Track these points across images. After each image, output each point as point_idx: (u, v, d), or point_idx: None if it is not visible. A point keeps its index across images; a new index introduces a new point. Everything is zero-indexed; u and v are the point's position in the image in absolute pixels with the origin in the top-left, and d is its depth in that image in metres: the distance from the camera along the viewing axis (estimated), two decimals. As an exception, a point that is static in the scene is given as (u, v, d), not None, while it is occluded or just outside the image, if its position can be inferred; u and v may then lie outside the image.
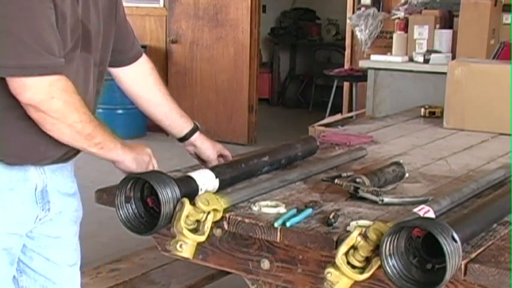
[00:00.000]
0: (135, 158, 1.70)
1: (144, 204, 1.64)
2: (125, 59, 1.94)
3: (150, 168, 1.74)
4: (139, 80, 1.98)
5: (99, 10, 1.71)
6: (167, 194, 1.57)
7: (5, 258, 1.68)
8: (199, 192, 1.68)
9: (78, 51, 1.63)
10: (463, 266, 1.41)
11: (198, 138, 2.04)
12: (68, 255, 1.85)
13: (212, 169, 1.79)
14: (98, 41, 1.72)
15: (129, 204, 1.64)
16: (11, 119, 1.58)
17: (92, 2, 1.68)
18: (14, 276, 1.77)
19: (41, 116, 1.53)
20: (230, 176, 1.83)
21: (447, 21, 5.35)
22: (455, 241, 1.34)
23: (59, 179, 1.75)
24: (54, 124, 1.55)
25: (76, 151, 1.74)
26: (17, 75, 1.49)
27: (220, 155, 2.06)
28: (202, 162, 2.05)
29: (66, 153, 1.71)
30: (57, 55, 1.53)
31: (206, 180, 1.73)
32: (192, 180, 1.70)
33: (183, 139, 2.04)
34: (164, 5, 7.18)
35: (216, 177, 1.76)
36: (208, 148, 2.04)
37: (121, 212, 1.63)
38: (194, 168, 1.99)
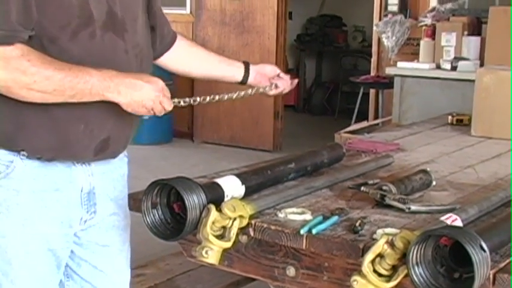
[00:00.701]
0: (129, 104, 1.61)
1: (171, 210, 1.65)
2: (165, 47, 1.97)
3: (163, 107, 1.66)
4: (182, 55, 2.02)
5: None
6: (193, 200, 1.58)
7: (51, 260, 1.69)
8: (225, 199, 1.68)
9: (100, 33, 1.60)
10: (491, 276, 1.39)
11: (254, 65, 2.10)
12: (115, 263, 1.85)
13: (238, 176, 1.80)
14: (131, 24, 1.69)
15: (155, 210, 1.65)
16: (31, 110, 1.57)
17: None
18: (61, 281, 1.78)
19: None
20: (256, 182, 1.83)
21: (475, 28, 5.30)
22: (484, 250, 1.32)
23: (107, 182, 1.75)
24: (10, 92, 1.52)
25: (122, 143, 1.73)
26: None
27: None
28: (275, 86, 2.10)
29: (107, 140, 1.67)
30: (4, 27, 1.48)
31: (232, 186, 1.73)
32: (218, 186, 1.70)
33: (247, 70, 2.08)
34: (191, 12, 7.22)
35: (242, 183, 1.76)
36: (266, 67, 2.12)
37: (147, 218, 1.64)
38: (220, 174, 1.99)
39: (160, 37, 1.92)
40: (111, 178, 1.77)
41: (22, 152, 1.60)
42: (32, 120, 1.58)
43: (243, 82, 2.09)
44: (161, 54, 1.97)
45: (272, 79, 2.10)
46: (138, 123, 1.80)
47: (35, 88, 1.51)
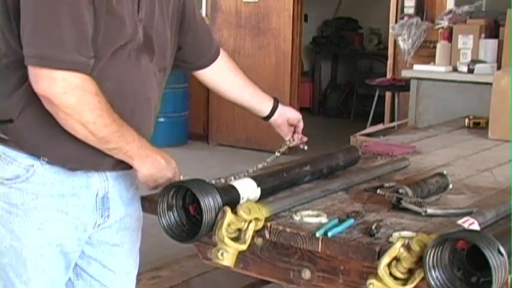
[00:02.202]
0: (145, 177, 1.69)
1: (186, 212, 1.65)
2: (206, 61, 2.03)
3: (161, 185, 1.72)
4: (220, 73, 2.06)
5: (165, 18, 1.75)
6: (209, 202, 1.58)
7: (61, 262, 1.71)
8: (241, 201, 1.68)
9: (135, 54, 1.65)
10: (509, 280, 1.38)
11: (282, 106, 2.17)
12: (124, 264, 1.86)
13: (254, 178, 1.79)
14: (162, 48, 1.75)
15: (171, 212, 1.65)
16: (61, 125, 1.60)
17: (158, 10, 1.71)
18: (70, 279, 1.80)
19: (53, 109, 1.54)
20: (272, 185, 1.83)
21: (493, 30, 5.27)
22: (502, 254, 1.31)
23: (121, 186, 1.77)
24: (66, 120, 1.54)
25: None
26: (35, 64, 1.50)
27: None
28: (291, 131, 2.22)
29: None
30: (82, 54, 1.53)
31: (248, 189, 1.73)
32: (233, 188, 1.70)
33: (273, 110, 2.14)
34: (206, 14, 7.24)
35: (258, 186, 1.76)
36: (293, 110, 2.21)
37: (163, 220, 1.64)
38: (235, 176, 1.99)
39: (199, 53, 1.99)
40: (124, 182, 1.78)
41: (43, 158, 1.63)
42: (60, 133, 1.59)
43: (265, 119, 2.18)
44: (198, 68, 2.04)
45: (290, 126, 2.20)
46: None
47: (90, 128, 1.55)
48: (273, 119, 2.16)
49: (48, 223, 1.65)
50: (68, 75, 1.51)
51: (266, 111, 2.14)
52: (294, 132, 2.21)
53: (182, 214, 1.65)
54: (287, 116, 2.17)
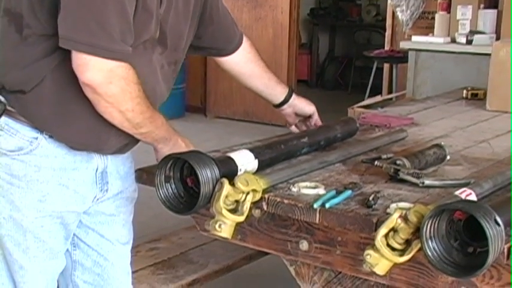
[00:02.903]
0: (164, 155, 1.71)
1: (184, 184, 1.65)
2: (228, 51, 2.10)
3: None
4: (240, 62, 2.13)
5: (180, 12, 1.75)
6: (206, 174, 1.58)
7: (61, 233, 1.73)
8: (239, 173, 1.68)
9: (150, 46, 1.66)
10: (505, 250, 1.39)
11: (295, 98, 2.22)
12: (121, 234, 1.89)
13: (251, 150, 1.79)
14: (175, 42, 1.76)
15: (168, 184, 1.65)
16: (77, 107, 1.60)
17: (175, 3, 1.71)
18: (68, 250, 1.83)
19: (96, 98, 1.54)
20: (269, 156, 1.83)
21: (491, 0, 5.23)
22: (498, 224, 1.31)
23: (118, 160, 1.79)
24: (107, 107, 1.56)
25: (136, 142, 1.77)
26: (84, 51, 1.48)
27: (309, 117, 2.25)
28: (303, 122, 2.26)
29: (127, 144, 1.75)
30: (127, 43, 1.53)
31: (245, 160, 1.73)
32: (231, 160, 1.70)
33: (284, 102, 2.21)
34: (203, -14, 7.18)
35: (255, 157, 1.76)
36: (306, 104, 2.25)
37: (160, 192, 1.65)
38: (233, 149, 1.99)
39: (220, 44, 2.05)
40: (121, 156, 1.81)
41: (47, 132, 1.64)
42: (68, 113, 1.61)
43: (276, 107, 2.25)
44: (217, 56, 2.11)
45: (300, 116, 2.28)
46: None
47: (128, 115, 1.58)
48: (280, 108, 2.24)
49: (49, 196, 1.66)
50: (116, 66, 1.51)
51: (276, 101, 2.23)
52: (305, 122, 2.27)
53: (180, 186, 1.65)
54: (295, 109, 2.24)
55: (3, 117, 1.63)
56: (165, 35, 1.71)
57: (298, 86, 7.24)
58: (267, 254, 2.08)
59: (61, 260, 1.79)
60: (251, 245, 1.80)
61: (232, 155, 1.73)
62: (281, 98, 2.21)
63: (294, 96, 2.22)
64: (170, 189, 1.65)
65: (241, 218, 1.58)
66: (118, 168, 1.80)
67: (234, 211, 1.58)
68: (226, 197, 1.56)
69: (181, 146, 1.75)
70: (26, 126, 1.63)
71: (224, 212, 1.56)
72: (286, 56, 6.80)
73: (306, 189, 1.67)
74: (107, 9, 1.48)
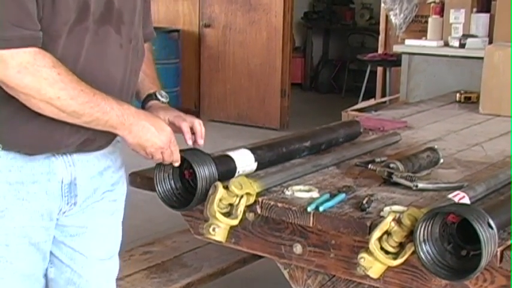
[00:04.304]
0: (134, 145, 1.57)
1: (182, 180, 1.67)
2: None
3: (162, 157, 1.60)
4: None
5: None
6: (204, 171, 1.60)
7: (33, 255, 1.61)
8: (236, 174, 1.69)
9: (88, 24, 1.49)
10: (498, 253, 1.39)
11: (152, 106, 1.80)
12: (97, 248, 1.74)
13: (252, 151, 1.79)
14: (129, 16, 1.60)
15: (167, 180, 1.66)
16: (19, 107, 1.47)
17: None
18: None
19: (13, 92, 1.42)
20: (269, 160, 1.83)
21: (484, 4, 5.24)
22: (491, 228, 1.32)
23: (91, 173, 1.65)
24: (29, 100, 1.42)
25: (108, 138, 1.63)
26: None
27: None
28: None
29: (92, 140, 1.59)
30: (27, 27, 1.38)
31: (245, 163, 1.73)
32: (230, 160, 1.70)
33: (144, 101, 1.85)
34: (197, -11, 7.18)
35: (255, 160, 1.76)
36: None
37: (159, 188, 1.66)
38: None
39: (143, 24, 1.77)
40: (96, 168, 1.65)
41: None
42: (13, 116, 1.49)
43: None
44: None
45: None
46: None
47: (55, 104, 1.44)
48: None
49: (9, 212, 1.54)
50: (16, 53, 1.38)
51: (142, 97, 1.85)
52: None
53: (178, 183, 1.67)
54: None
55: None
56: (112, 9, 1.55)
57: (292, 89, 7.23)
58: (261, 257, 2.08)
59: (38, 284, 1.66)
60: (245, 249, 1.80)
61: (233, 154, 1.74)
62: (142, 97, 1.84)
63: (152, 103, 1.80)
64: (169, 185, 1.66)
65: (235, 222, 1.58)
66: (93, 180, 1.65)
67: (228, 214, 1.58)
68: (220, 200, 1.56)
69: (148, 131, 1.56)
70: None
71: (218, 215, 1.56)
72: (280, 60, 6.80)
73: (300, 192, 1.68)
74: None
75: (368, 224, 1.51)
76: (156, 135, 1.58)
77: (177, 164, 1.65)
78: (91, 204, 1.68)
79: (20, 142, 1.52)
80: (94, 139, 1.61)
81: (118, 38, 1.58)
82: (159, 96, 1.81)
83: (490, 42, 4.74)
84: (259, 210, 1.65)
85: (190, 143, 1.73)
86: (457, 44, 4.98)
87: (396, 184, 1.77)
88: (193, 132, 1.73)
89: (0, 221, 1.54)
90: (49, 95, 1.42)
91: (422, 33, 5.52)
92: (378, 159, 1.99)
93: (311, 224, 1.59)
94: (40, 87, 1.41)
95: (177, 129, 1.72)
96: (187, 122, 1.75)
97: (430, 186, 1.76)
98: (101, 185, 1.69)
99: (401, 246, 1.42)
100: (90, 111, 1.47)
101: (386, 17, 6.18)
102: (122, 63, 1.60)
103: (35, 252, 1.61)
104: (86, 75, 1.49)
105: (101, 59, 1.55)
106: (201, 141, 1.74)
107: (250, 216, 1.71)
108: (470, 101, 3.24)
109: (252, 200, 1.62)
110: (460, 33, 5.07)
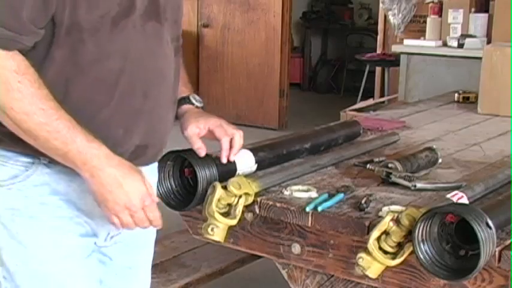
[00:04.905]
0: (101, 194, 1.34)
1: (183, 180, 1.66)
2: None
3: (130, 220, 1.37)
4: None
5: None
6: (205, 172, 1.59)
7: (89, 274, 1.48)
8: (237, 173, 1.69)
9: (134, 18, 1.36)
10: (497, 253, 1.39)
11: (188, 111, 1.66)
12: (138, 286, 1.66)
13: (254, 153, 1.78)
14: (171, 13, 1.48)
15: (167, 180, 1.66)
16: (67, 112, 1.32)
17: None
18: None
19: None
20: (270, 162, 1.83)
21: (482, 4, 5.25)
22: (490, 227, 1.32)
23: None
24: None
25: (158, 149, 1.50)
26: None
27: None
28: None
29: (142, 149, 1.44)
30: (8, 26, 1.24)
31: (246, 165, 1.73)
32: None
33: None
34: (196, -11, 7.18)
35: (256, 162, 1.76)
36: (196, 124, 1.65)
37: (160, 188, 1.65)
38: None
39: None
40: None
41: (43, 157, 1.36)
42: None
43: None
44: None
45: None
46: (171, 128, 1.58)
47: (9, 115, 1.26)
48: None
49: (60, 228, 1.41)
50: None
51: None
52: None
53: (178, 181, 1.66)
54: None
55: None
56: (158, 3, 1.43)
57: (291, 89, 7.24)
58: (259, 257, 2.08)
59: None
60: (243, 249, 1.80)
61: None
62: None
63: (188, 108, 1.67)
64: (169, 185, 1.66)
65: (234, 222, 1.58)
66: None
67: (226, 214, 1.58)
68: (219, 200, 1.56)
69: (114, 182, 1.32)
70: (17, 152, 1.37)
71: (216, 215, 1.56)
72: (279, 60, 6.81)
73: (299, 192, 1.68)
74: None
75: (366, 224, 1.51)
76: (124, 191, 1.33)
77: (158, 228, 1.45)
78: (136, 235, 1.51)
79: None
80: (146, 148, 1.46)
81: (165, 35, 1.46)
82: (193, 100, 1.67)
83: (489, 42, 4.75)
84: (257, 210, 1.65)
85: (224, 161, 1.62)
86: (455, 44, 4.98)
87: (395, 184, 1.77)
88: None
89: (52, 238, 1.40)
90: (2, 102, 1.25)
91: (420, 33, 5.52)
92: (376, 159, 1.99)
93: (309, 224, 1.59)
94: None
95: (213, 137, 1.61)
96: (228, 135, 1.61)
97: (428, 186, 1.76)
98: None
99: (399, 246, 1.42)
100: (46, 135, 1.28)
101: (385, 17, 6.18)
102: (171, 62, 1.49)
103: (88, 270, 1.48)
104: (139, 74, 1.38)
105: (153, 56, 1.42)
106: (232, 158, 1.63)
107: (249, 216, 1.71)
108: (468, 101, 3.24)
109: (250, 200, 1.62)
110: (459, 33, 5.07)
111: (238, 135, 1.63)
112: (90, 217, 1.44)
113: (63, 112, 1.29)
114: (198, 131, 1.61)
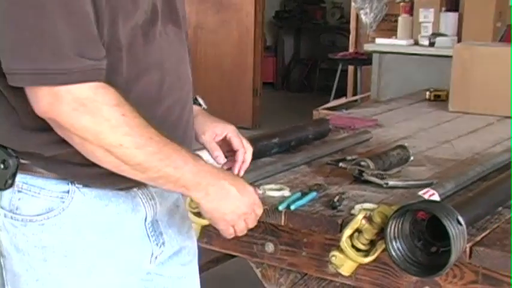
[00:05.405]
0: (211, 211, 1.26)
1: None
2: None
3: (244, 225, 1.31)
4: None
5: None
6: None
7: None
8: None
9: (159, 23, 1.26)
10: (468, 249, 1.41)
11: (199, 114, 1.61)
12: None
13: None
14: (182, 8, 1.39)
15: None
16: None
17: None
18: None
19: (66, 134, 1.14)
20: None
21: (453, 3, 5.30)
22: (460, 224, 1.34)
23: (167, 207, 1.39)
24: (83, 145, 1.14)
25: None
26: (27, 83, 1.11)
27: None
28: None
29: None
30: (88, 56, 1.11)
31: (211, 161, 1.72)
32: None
33: None
34: (168, -11, 7.15)
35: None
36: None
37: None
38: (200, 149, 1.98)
39: None
40: (170, 197, 1.40)
41: (78, 182, 1.24)
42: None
43: None
44: None
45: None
46: None
47: (116, 153, 1.14)
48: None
49: (99, 266, 1.27)
50: (75, 88, 1.10)
51: None
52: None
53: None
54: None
55: (18, 175, 1.22)
56: (172, 8, 1.33)
57: (264, 89, 7.24)
58: (233, 256, 2.08)
59: None
60: (217, 248, 1.80)
61: (201, 153, 1.73)
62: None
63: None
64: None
65: (207, 221, 1.57)
66: (169, 217, 1.38)
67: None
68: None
69: (228, 193, 1.25)
70: (50, 179, 1.23)
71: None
72: (252, 59, 6.81)
73: (271, 191, 1.68)
74: (49, 23, 1.08)
75: (339, 222, 1.52)
76: (239, 197, 1.27)
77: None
78: (179, 251, 1.43)
79: (102, 175, 1.21)
80: None
81: (181, 35, 1.36)
82: (200, 101, 1.59)
83: (459, 40, 4.80)
84: (230, 210, 1.64)
85: (235, 172, 1.49)
86: (426, 42, 5.03)
87: (367, 182, 1.78)
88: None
89: (89, 280, 1.26)
90: (109, 141, 1.13)
91: (392, 32, 5.56)
92: (348, 158, 2.00)
93: (283, 223, 1.59)
94: (99, 130, 1.12)
95: (223, 146, 1.51)
96: (244, 148, 1.50)
97: (400, 183, 1.78)
98: (178, 224, 1.43)
99: (372, 243, 1.43)
100: (158, 164, 1.17)
101: (357, 16, 6.22)
102: (189, 64, 1.39)
103: None
104: (174, 83, 1.29)
105: (181, 62, 1.34)
106: (242, 173, 1.50)
107: (222, 215, 1.70)
108: (439, 99, 3.28)
109: (223, 199, 1.61)
110: (430, 32, 5.12)
111: (250, 151, 1.52)
112: (132, 242, 1.30)
113: (164, 136, 1.19)
114: (214, 137, 1.52)
